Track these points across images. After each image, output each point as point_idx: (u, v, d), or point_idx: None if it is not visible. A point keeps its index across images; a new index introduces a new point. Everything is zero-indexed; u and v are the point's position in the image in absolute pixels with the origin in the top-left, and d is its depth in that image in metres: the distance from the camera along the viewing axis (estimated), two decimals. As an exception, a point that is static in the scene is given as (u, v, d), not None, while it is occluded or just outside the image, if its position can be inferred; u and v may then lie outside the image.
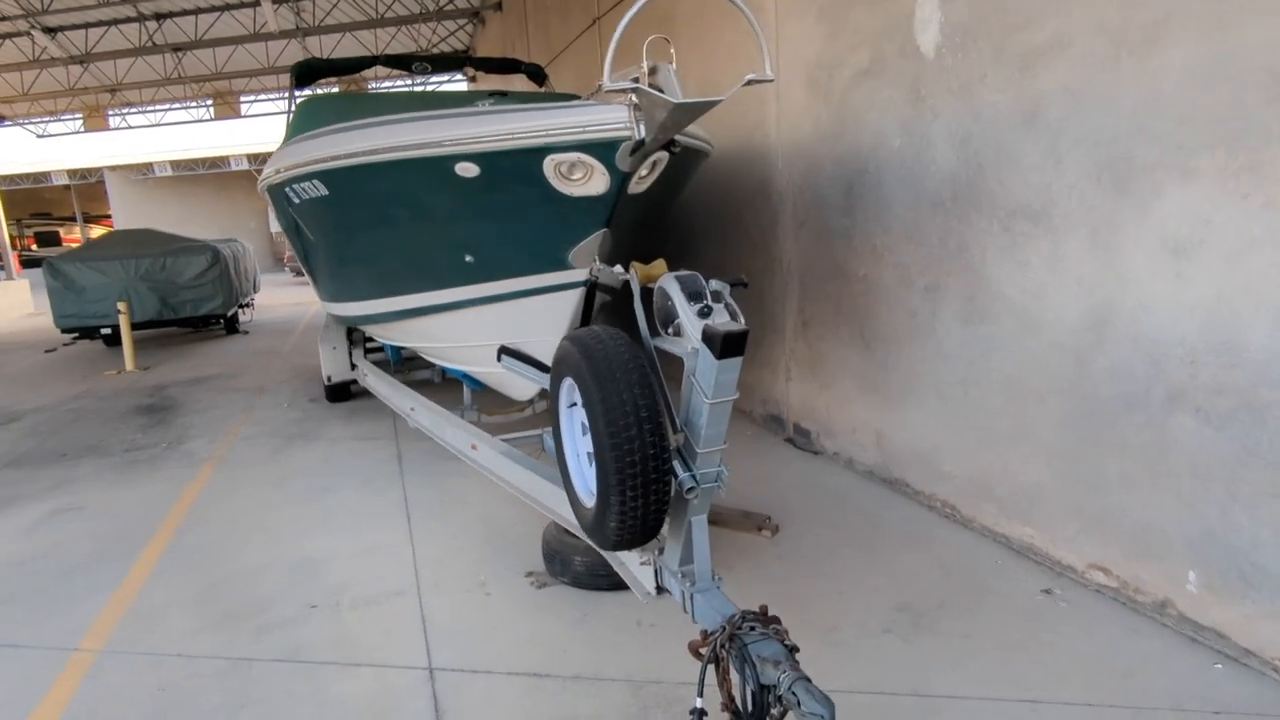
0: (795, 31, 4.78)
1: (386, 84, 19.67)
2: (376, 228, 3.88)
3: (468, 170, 2.88)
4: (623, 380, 1.98)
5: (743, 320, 2.05)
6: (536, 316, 3.37)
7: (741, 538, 3.93)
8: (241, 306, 13.04)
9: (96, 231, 36.48)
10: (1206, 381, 2.66)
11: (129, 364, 9.78)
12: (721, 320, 2.06)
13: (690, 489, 2.11)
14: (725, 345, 1.87)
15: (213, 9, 14.33)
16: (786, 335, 5.34)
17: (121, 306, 9.73)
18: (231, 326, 12.57)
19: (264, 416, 7.02)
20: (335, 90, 15.06)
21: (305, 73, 7.17)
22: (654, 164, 2.74)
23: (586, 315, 3.30)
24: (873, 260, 4.34)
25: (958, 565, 3.51)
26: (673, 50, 2.16)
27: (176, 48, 15.55)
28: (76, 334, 10.97)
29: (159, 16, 14.59)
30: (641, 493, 1.99)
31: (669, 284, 2.11)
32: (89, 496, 5.06)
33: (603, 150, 2.51)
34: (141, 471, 5.57)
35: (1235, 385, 2.57)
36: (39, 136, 26.17)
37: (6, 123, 23.00)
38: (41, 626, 3.36)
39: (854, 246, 4.48)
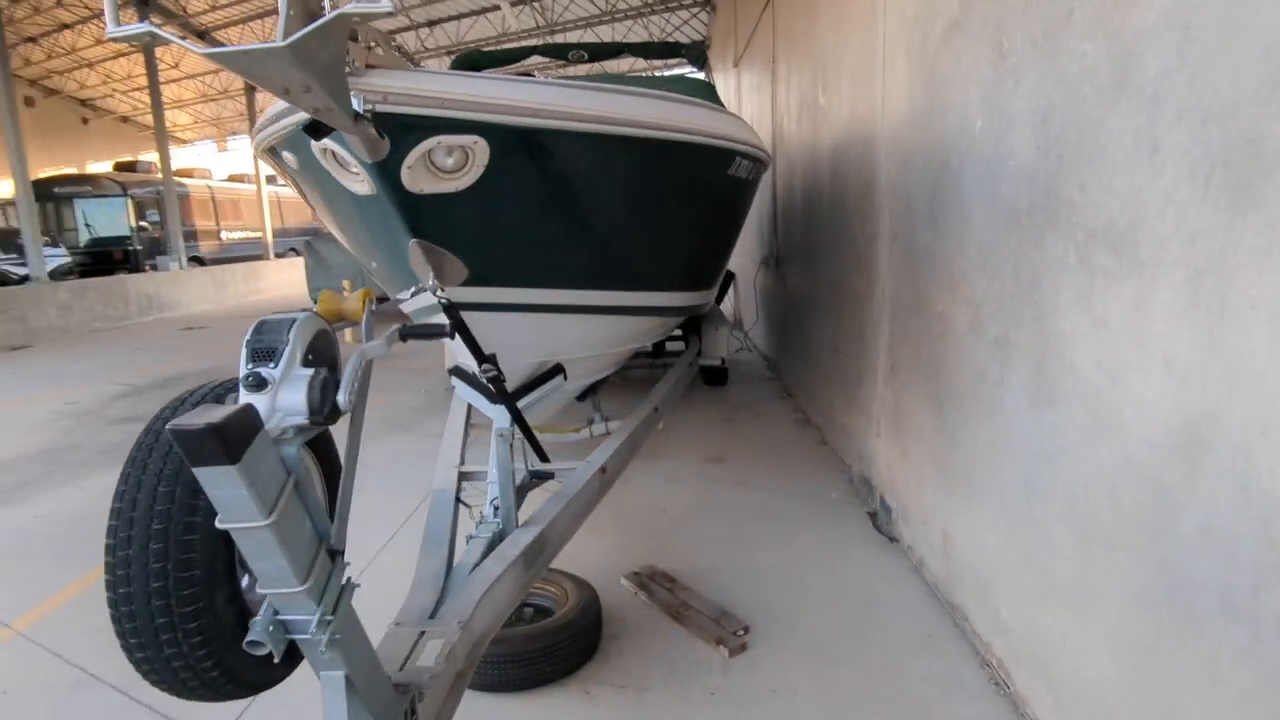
0: (900, -23, 3.56)
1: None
2: None
3: None
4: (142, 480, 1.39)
5: (303, 397, 1.31)
6: None
7: (690, 645, 3.01)
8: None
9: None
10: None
11: (348, 336, 11.00)
12: (290, 398, 1.34)
13: (252, 642, 1.43)
14: (187, 447, 1.17)
15: (471, 13, 15.72)
16: (879, 378, 4.11)
17: (346, 284, 10.93)
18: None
19: (397, 400, 7.35)
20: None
21: (466, 65, 7.30)
22: (465, 154, 2.02)
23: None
24: (949, 292, 3.07)
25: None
26: None
27: (450, 51, 17.32)
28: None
29: (431, 23, 16.45)
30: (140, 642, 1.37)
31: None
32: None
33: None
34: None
35: None
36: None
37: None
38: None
39: (935, 270, 3.22)
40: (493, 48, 7.15)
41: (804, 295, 6.31)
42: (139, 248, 18.56)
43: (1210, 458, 1.63)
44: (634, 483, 4.85)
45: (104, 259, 17.76)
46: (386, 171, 1.95)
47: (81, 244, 18.22)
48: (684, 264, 4.01)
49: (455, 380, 3.44)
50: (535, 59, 7.30)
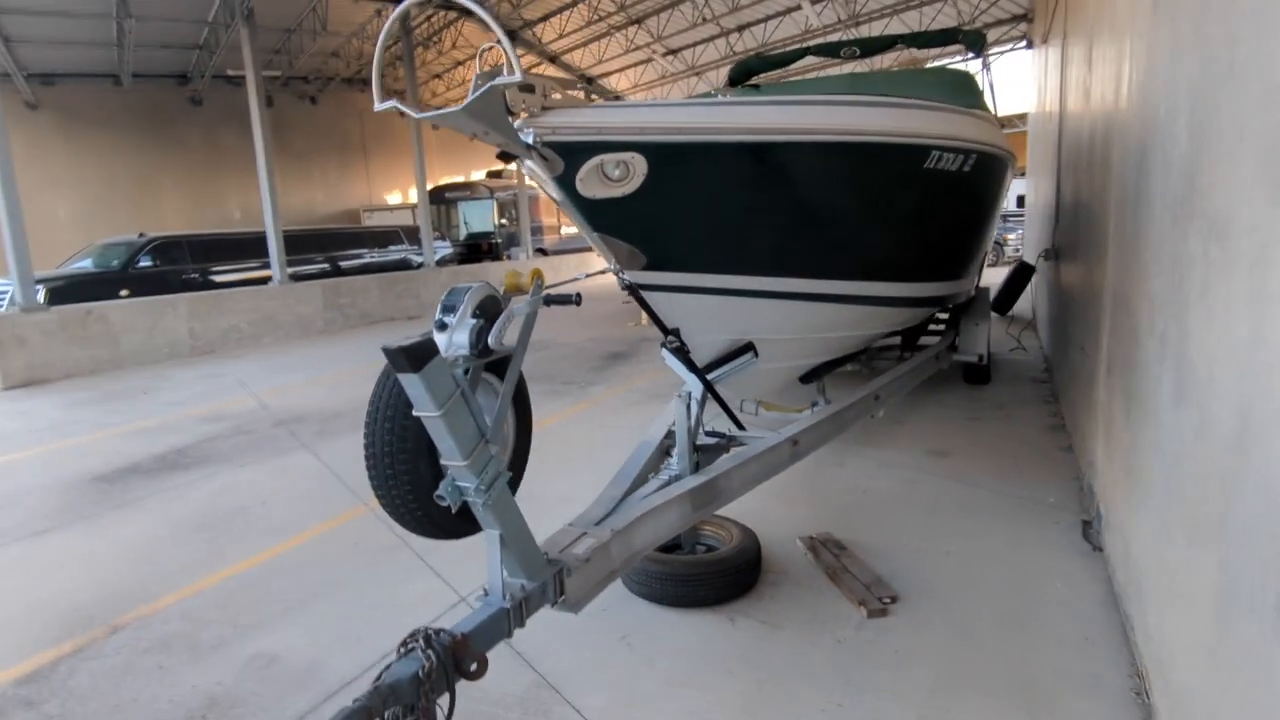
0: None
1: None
2: None
3: None
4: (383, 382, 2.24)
5: (466, 337, 2.00)
6: None
7: (836, 602, 3.30)
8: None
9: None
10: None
11: (644, 319, 12.36)
12: (459, 337, 2.06)
13: (439, 496, 2.21)
14: (392, 360, 1.93)
15: (776, 15, 16.17)
16: (1099, 378, 3.85)
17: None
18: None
19: (661, 378, 8.28)
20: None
21: (742, 73, 7.92)
22: (626, 167, 2.63)
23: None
24: (1138, 286, 2.90)
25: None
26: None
27: (758, 53, 18.02)
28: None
29: (740, 28, 17.26)
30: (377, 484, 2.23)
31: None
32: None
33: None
34: (550, 398, 7.40)
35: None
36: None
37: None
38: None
39: (1134, 262, 3.04)
40: (768, 53, 7.53)
41: (1068, 290, 5.82)
42: (499, 241, 22.51)
43: (1251, 465, 1.60)
44: (846, 465, 5.08)
45: (474, 250, 21.91)
46: (565, 183, 2.62)
47: (460, 238, 22.65)
48: (887, 256, 4.14)
49: (664, 351, 4.08)
50: (809, 59, 7.61)
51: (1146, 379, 2.70)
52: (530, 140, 2.35)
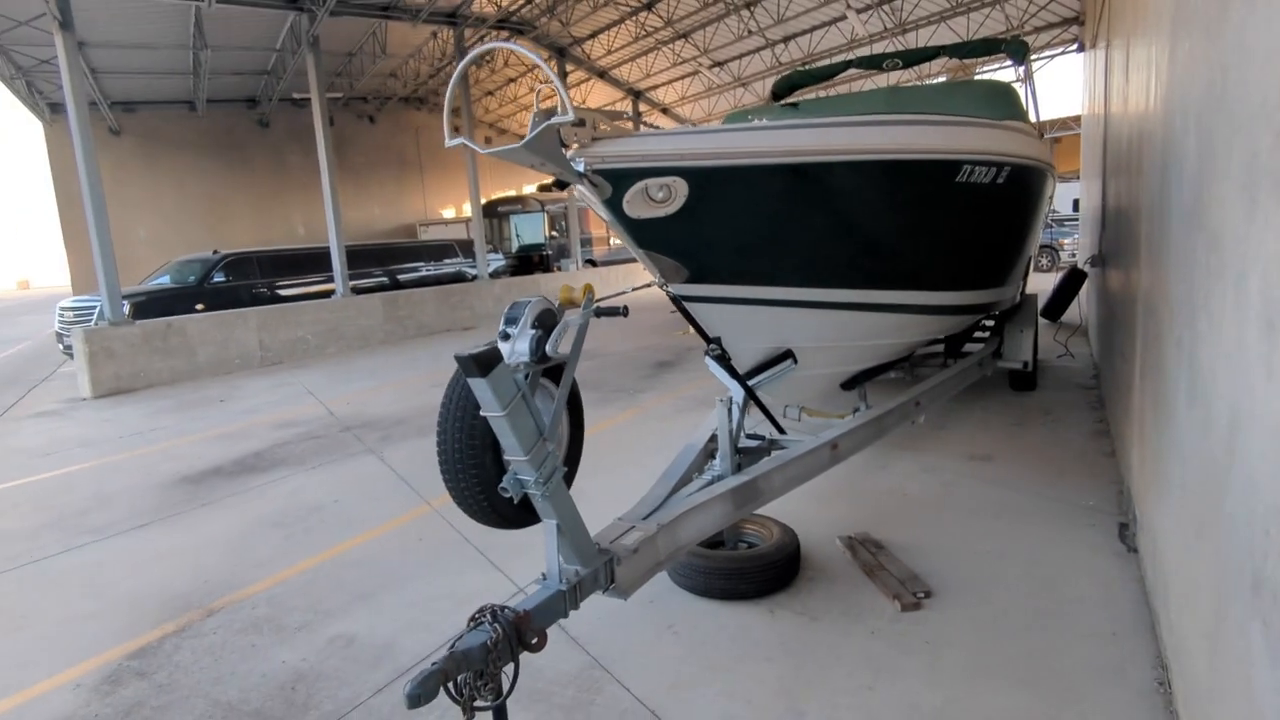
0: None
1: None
2: None
3: None
4: (454, 385, 2.53)
5: (527, 345, 2.26)
6: None
7: (872, 597, 3.47)
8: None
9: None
10: None
11: (689, 328, 12.56)
12: (520, 345, 2.33)
13: (502, 488, 2.48)
14: (463, 366, 2.20)
15: (821, 25, 16.25)
16: (1135, 382, 3.93)
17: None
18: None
19: (709, 386, 8.48)
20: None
21: (786, 87, 8.12)
22: (669, 189, 2.88)
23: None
24: (1164, 289, 3.01)
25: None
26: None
27: (804, 63, 18.14)
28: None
29: (786, 39, 17.40)
30: (449, 477, 2.52)
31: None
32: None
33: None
34: (601, 405, 7.67)
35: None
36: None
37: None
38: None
39: (1161, 269, 3.15)
40: (811, 66, 7.66)
41: (1112, 295, 5.84)
42: (550, 253, 23.03)
43: (1238, 471, 1.75)
44: (888, 469, 5.22)
45: (526, 262, 22.45)
46: (613, 205, 2.87)
47: (513, 250, 23.24)
48: (920, 267, 4.29)
49: (708, 358, 4.31)
50: (851, 71, 7.77)
51: (1169, 382, 2.82)
52: (581, 169, 2.61)
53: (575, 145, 2.58)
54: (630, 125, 2.89)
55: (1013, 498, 4.56)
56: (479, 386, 2.26)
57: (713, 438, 4.09)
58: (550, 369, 2.69)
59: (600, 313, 2.71)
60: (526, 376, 2.42)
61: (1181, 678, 2.43)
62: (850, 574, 3.72)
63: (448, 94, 2.47)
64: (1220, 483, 1.89)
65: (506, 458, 2.46)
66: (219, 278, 13.89)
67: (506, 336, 2.41)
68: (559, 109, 2.33)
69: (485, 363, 2.22)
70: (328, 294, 14.57)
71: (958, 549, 3.91)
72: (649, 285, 3.28)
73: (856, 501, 4.67)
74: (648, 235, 3.02)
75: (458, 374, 2.54)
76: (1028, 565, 3.68)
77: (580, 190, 2.94)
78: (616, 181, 2.78)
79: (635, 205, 2.90)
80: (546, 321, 2.50)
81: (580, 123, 2.47)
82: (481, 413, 2.34)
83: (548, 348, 2.42)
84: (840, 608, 3.41)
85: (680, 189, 2.93)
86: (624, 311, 2.83)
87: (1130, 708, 2.61)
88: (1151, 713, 2.57)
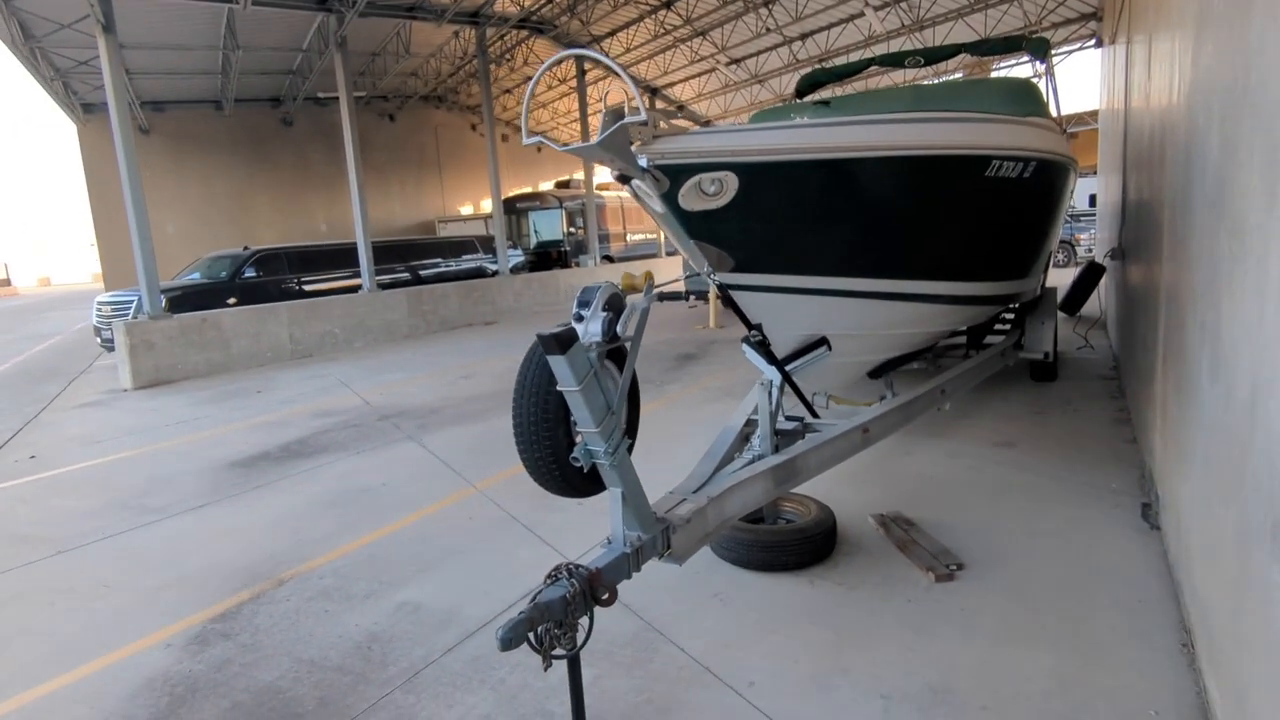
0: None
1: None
2: None
3: None
4: (529, 363, 2.75)
5: (599, 327, 2.48)
6: None
7: (906, 570, 3.67)
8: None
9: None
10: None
11: (711, 322, 12.77)
12: (594, 327, 2.55)
13: (574, 458, 2.70)
14: (544, 344, 2.42)
15: (838, 23, 16.39)
16: (1158, 369, 4.10)
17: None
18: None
19: (733, 378, 8.68)
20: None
21: (808, 85, 8.30)
22: (720, 183, 3.09)
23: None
24: (1187, 277, 3.19)
25: None
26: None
27: (821, 60, 18.28)
28: (694, 295, 14.66)
29: (803, 36, 17.54)
30: (523, 448, 2.74)
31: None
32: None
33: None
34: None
35: None
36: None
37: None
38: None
39: (1183, 257, 3.33)
40: (832, 64, 7.81)
41: (1133, 287, 5.99)
42: (568, 249, 23.26)
43: (1257, 409, 1.94)
44: (914, 454, 5.41)
45: (545, 258, 22.71)
46: (669, 199, 3.08)
47: (531, 246, 23.49)
48: (951, 257, 4.47)
49: (744, 346, 4.51)
50: (873, 69, 7.94)
51: (1191, 364, 3.00)
52: (644, 164, 2.83)
53: (639, 142, 2.80)
54: (686, 124, 3.09)
55: (1037, 481, 4.74)
56: (557, 363, 2.48)
57: (749, 421, 4.29)
58: (610, 352, 2.91)
59: (664, 297, 2.92)
60: (597, 355, 2.64)
61: (1205, 636, 2.62)
62: (884, 549, 3.92)
63: (525, 96, 2.69)
64: (1244, 446, 2.08)
65: (578, 430, 2.68)
66: (250, 273, 14.21)
67: (580, 318, 2.63)
68: (627, 109, 2.54)
69: (564, 341, 2.43)
70: (354, 289, 14.87)
71: (986, 527, 4.10)
72: (674, 283, 3.49)
73: (887, 484, 4.86)
74: (699, 226, 3.23)
75: (531, 353, 2.77)
76: (1055, 542, 3.87)
77: (635, 184, 3.15)
78: (674, 176, 2.99)
79: (689, 198, 3.11)
80: (615, 305, 2.72)
81: (644, 122, 2.68)
82: (557, 387, 2.56)
83: (618, 328, 2.64)
84: (876, 579, 3.61)
85: (731, 183, 3.13)
86: (687, 297, 3.04)
87: (1156, 666, 2.80)
88: (1175, 671, 2.76)
